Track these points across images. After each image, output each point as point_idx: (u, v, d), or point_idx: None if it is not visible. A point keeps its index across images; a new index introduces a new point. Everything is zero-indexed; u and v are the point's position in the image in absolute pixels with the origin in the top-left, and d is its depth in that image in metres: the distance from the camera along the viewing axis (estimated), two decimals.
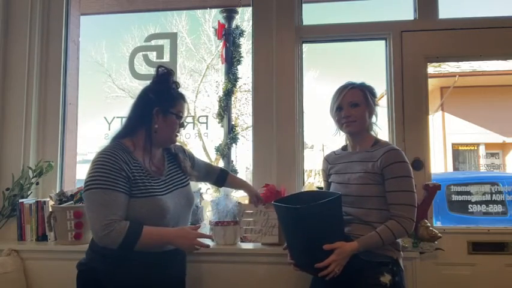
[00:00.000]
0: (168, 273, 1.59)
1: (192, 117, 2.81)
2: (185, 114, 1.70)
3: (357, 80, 1.78)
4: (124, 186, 1.49)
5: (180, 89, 1.71)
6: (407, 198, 1.59)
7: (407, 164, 1.62)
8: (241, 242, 2.12)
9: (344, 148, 1.85)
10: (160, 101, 1.61)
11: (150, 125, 1.60)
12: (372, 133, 1.79)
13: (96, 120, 2.78)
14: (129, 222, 1.45)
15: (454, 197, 3.95)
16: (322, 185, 2.05)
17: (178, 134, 1.71)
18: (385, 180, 1.61)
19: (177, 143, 1.82)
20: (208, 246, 1.62)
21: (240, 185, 2.09)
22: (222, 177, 2.02)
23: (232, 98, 2.68)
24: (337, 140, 1.86)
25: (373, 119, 1.78)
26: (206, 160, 2.11)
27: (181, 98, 1.68)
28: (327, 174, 1.88)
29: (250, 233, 2.10)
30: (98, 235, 1.45)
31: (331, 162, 1.85)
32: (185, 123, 1.76)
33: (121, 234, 1.42)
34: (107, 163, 1.49)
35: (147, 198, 1.53)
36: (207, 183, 2.16)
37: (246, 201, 2.24)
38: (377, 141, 1.73)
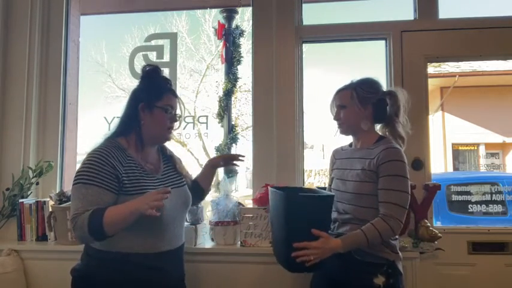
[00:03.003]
0: (167, 276, 1.58)
1: (192, 117, 2.81)
2: (175, 107, 1.66)
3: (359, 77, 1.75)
4: (106, 182, 1.46)
5: (178, 88, 1.72)
6: (397, 197, 1.55)
7: (403, 164, 1.58)
8: (241, 246, 2.10)
9: (351, 144, 1.83)
10: (145, 96, 1.61)
11: (138, 122, 1.61)
12: (377, 131, 1.76)
13: (96, 120, 2.78)
14: (93, 208, 1.40)
15: (454, 197, 3.95)
16: (321, 184, 2.05)
17: (171, 129, 1.66)
18: (378, 177, 1.59)
19: (173, 153, 1.80)
20: (160, 204, 1.39)
21: (206, 171, 1.90)
22: (195, 187, 1.85)
23: (232, 98, 2.68)
24: (339, 139, 1.85)
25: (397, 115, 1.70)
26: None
27: (168, 91, 1.64)
28: (331, 168, 1.87)
29: (250, 237, 2.08)
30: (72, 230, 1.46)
31: (337, 157, 1.85)
32: (178, 118, 1.69)
33: (85, 221, 1.38)
34: (93, 159, 1.48)
35: (141, 195, 1.47)
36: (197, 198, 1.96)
37: (248, 204, 2.24)
38: (380, 138, 1.69)
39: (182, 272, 1.71)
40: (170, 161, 1.75)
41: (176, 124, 1.69)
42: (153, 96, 1.61)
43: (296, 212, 1.50)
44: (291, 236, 1.51)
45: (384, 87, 1.76)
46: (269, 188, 1.71)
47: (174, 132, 1.77)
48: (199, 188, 1.86)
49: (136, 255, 1.51)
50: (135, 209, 1.38)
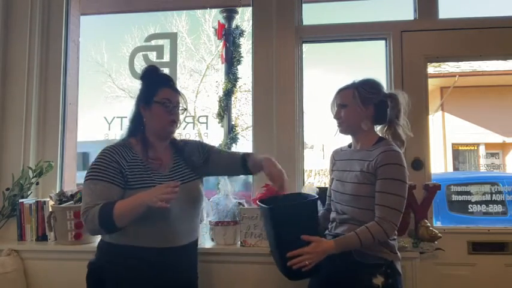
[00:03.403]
0: (169, 273, 1.58)
1: (192, 117, 2.81)
2: (175, 101, 1.67)
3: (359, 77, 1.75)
4: (112, 177, 1.53)
5: (178, 88, 1.73)
6: (393, 201, 1.55)
7: (402, 167, 1.57)
8: (241, 246, 2.10)
9: (350, 145, 1.83)
10: (143, 94, 1.67)
11: (141, 121, 1.67)
12: (377, 132, 1.75)
13: (96, 120, 2.78)
14: (103, 203, 1.48)
15: (454, 197, 3.95)
16: (321, 184, 2.04)
17: (173, 123, 1.67)
18: (376, 180, 1.58)
19: (195, 138, 1.80)
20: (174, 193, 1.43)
21: (260, 165, 1.72)
22: (244, 165, 1.75)
23: (232, 98, 2.68)
24: (338, 139, 1.85)
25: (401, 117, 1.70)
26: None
27: (164, 85, 1.67)
28: (331, 169, 1.87)
29: (250, 237, 2.08)
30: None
31: (336, 158, 1.85)
32: (183, 111, 1.71)
33: (95, 214, 1.46)
34: (100, 157, 1.58)
35: (144, 189, 1.53)
36: (235, 175, 1.98)
37: (246, 205, 2.23)
38: (380, 140, 1.69)
39: (192, 271, 1.69)
40: (182, 156, 1.74)
41: (180, 117, 1.70)
42: (150, 92, 1.65)
43: (282, 222, 1.53)
44: (283, 246, 1.54)
45: (385, 89, 1.76)
46: (257, 202, 1.71)
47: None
48: (246, 166, 1.75)
49: (142, 249, 1.55)
50: (142, 201, 1.44)
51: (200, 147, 1.82)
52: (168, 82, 1.71)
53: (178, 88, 1.75)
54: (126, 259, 1.56)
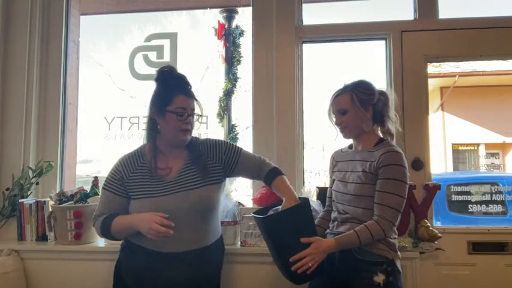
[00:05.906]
0: (162, 277, 1.59)
1: None
2: (189, 107, 1.62)
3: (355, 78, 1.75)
4: (114, 187, 1.64)
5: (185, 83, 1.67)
6: (392, 200, 1.56)
7: (403, 168, 1.59)
8: (241, 246, 2.10)
9: (350, 146, 1.84)
10: (157, 101, 1.63)
11: (155, 127, 1.65)
12: (379, 132, 1.76)
13: (96, 120, 2.78)
14: (107, 215, 1.62)
15: (454, 197, 3.95)
16: (321, 184, 2.05)
17: (186, 131, 1.62)
18: (377, 179, 1.60)
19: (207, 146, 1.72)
20: (167, 233, 1.47)
21: (282, 193, 1.67)
22: (269, 178, 1.72)
23: (232, 98, 2.67)
24: (339, 141, 1.85)
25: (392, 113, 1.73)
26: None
27: (178, 93, 1.61)
28: (331, 171, 1.88)
29: (250, 237, 2.08)
30: None
31: (337, 159, 1.85)
32: (198, 117, 1.66)
33: (98, 226, 1.64)
34: (112, 167, 1.69)
35: (141, 200, 1.60)
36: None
37: (247, 204, 2.23)
38: (381, 141, 1.70)
39: (188, 276, 1.59)
40: (197, 159, 1.67)
41: (194, 124, 1.67)
42: (164, 101, 1.61)
43: (278, 230, 1.54)
44: (284, 253, 1.54)
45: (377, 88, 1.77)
46: (252, 214, 1.72)
47: None
48: (269, 184, 1.73)
49: (141, 248, 1.61)
50: (137, 226, 1.53)
51: (226, 160, 1.71)
52: (183, 88, 1.64)
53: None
54: (132, 254, 1.64)
